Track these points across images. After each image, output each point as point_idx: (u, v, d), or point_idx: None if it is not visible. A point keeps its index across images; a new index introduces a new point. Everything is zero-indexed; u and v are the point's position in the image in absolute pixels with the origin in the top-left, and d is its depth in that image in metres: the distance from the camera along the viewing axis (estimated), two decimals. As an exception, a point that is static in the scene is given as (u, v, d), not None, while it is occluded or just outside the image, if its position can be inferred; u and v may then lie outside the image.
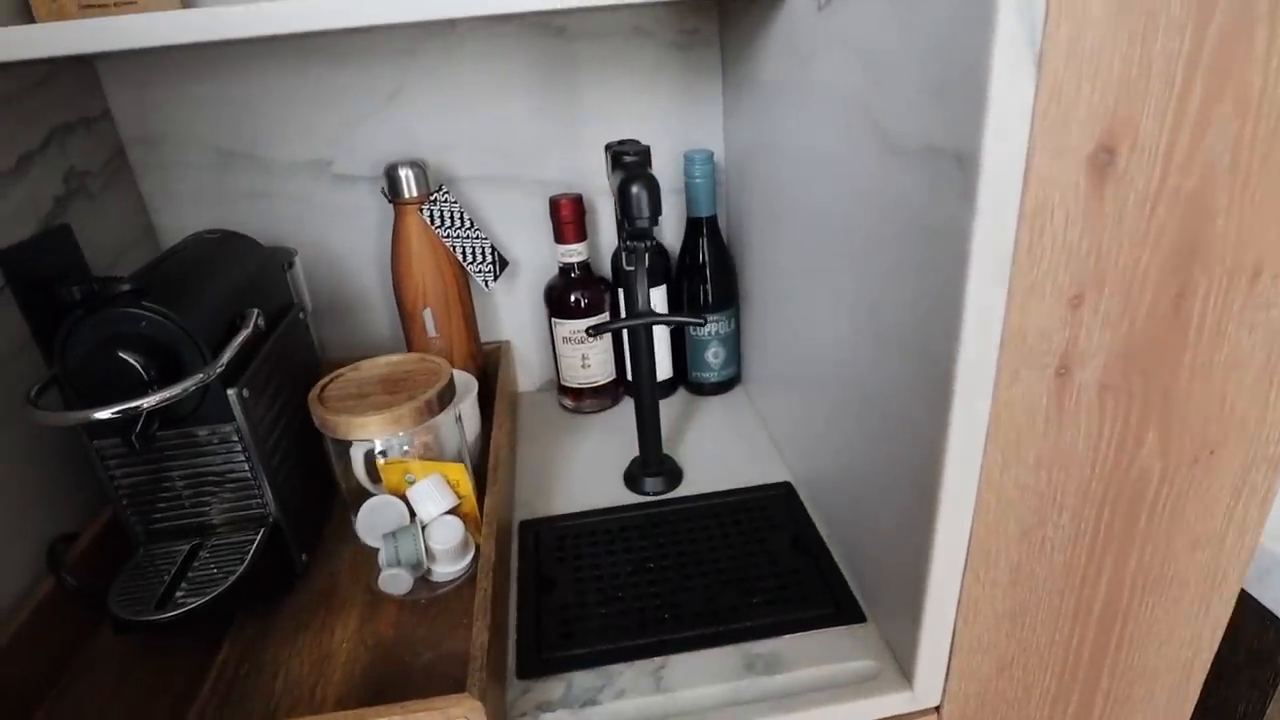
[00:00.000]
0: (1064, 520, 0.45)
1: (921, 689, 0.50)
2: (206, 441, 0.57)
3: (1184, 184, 0.36)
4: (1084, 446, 0.43)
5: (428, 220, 0.74)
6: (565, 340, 0.82)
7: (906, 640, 0.50)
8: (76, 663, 0.56)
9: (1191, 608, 0.50)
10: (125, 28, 0.49)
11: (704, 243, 0.81)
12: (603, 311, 0.82)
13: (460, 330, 0.79)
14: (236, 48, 0.74)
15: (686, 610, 0.58)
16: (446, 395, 0.57)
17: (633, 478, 0.73)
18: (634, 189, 0.49)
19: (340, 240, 0.82)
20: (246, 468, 0.58)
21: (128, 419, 0.51)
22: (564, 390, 0.86)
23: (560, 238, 0.79)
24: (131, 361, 0.51)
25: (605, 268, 0.86)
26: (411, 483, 0.61)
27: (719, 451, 0.77)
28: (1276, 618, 0.64)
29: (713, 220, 0.81)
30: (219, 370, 0.53)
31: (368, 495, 0.61)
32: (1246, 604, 0.65)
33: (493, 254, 0.79)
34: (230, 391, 0.55)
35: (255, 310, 0.60)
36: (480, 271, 0.79)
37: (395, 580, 0.58)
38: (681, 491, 0.72)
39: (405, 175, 0.72)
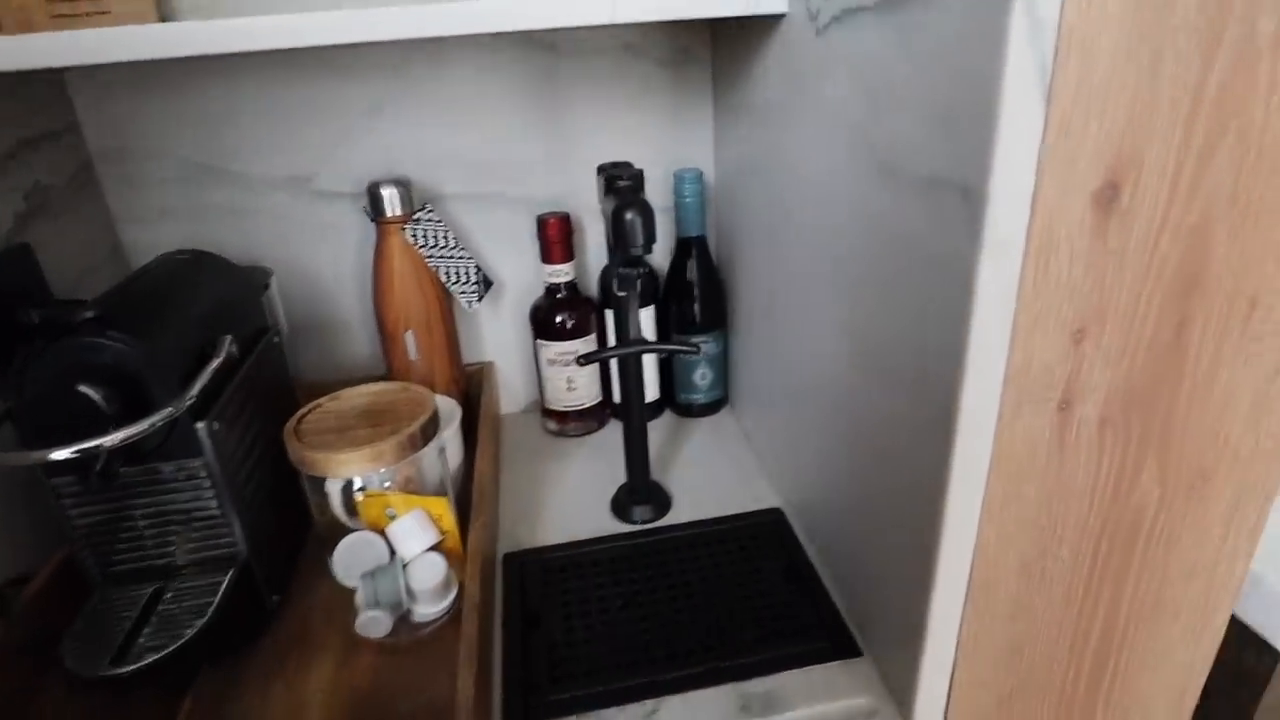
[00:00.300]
0: (1063, 553, 0.44)
1: (921, 725, 0.49)
2: (172, 478, 0.54)
3: (1186, 218, 0.36)
4: (1083, 479, 0.42)
5: (411, 240, 0.72)
6: (551, 362, 0.81)
7: (905, 676, 0.49)
8: (29, 717, 0.52)
9: (1184, 636, 0.50)
10: (97, 42, 0.47)
11: (693, 263, 0.80)
12: (589, 333, 0.80)
13: (442, 353, 0.77)
14: (214, 59, 0.71)
15: (679, 647, 0.56)
16: (430, 428, 0.55)
17: (620, 505, 0.71)
18: (628, 216, 0.48)
19: (319, 259, 0.80)
20: (215, 505, 0.55)
21: (87, 457, 0.48)
22: (548, 413, 0.85)
23: (547, 257, 0.77)
24: (93, 396, 0.48)
25: (592, 288, 0.85)
26: (392, 518, 0.59)
27: (707, 476, 0.76)
28: (1257, 637, 0.65)
29: (702, 240, 0.80)
30: (188, 404, 0.51)
31: (344, 531, 0.59)
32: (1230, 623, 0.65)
33: (477, 274, 0.77)
34: (199, 425, 0.52)
35: (227, 338, 0.57)
36: (464, 292, 0.77)
37: (374, 623, 0.55)
38: (670, 519, 0.70)
39: (388, 194, 0.70)
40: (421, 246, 0.73)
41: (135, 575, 0.55)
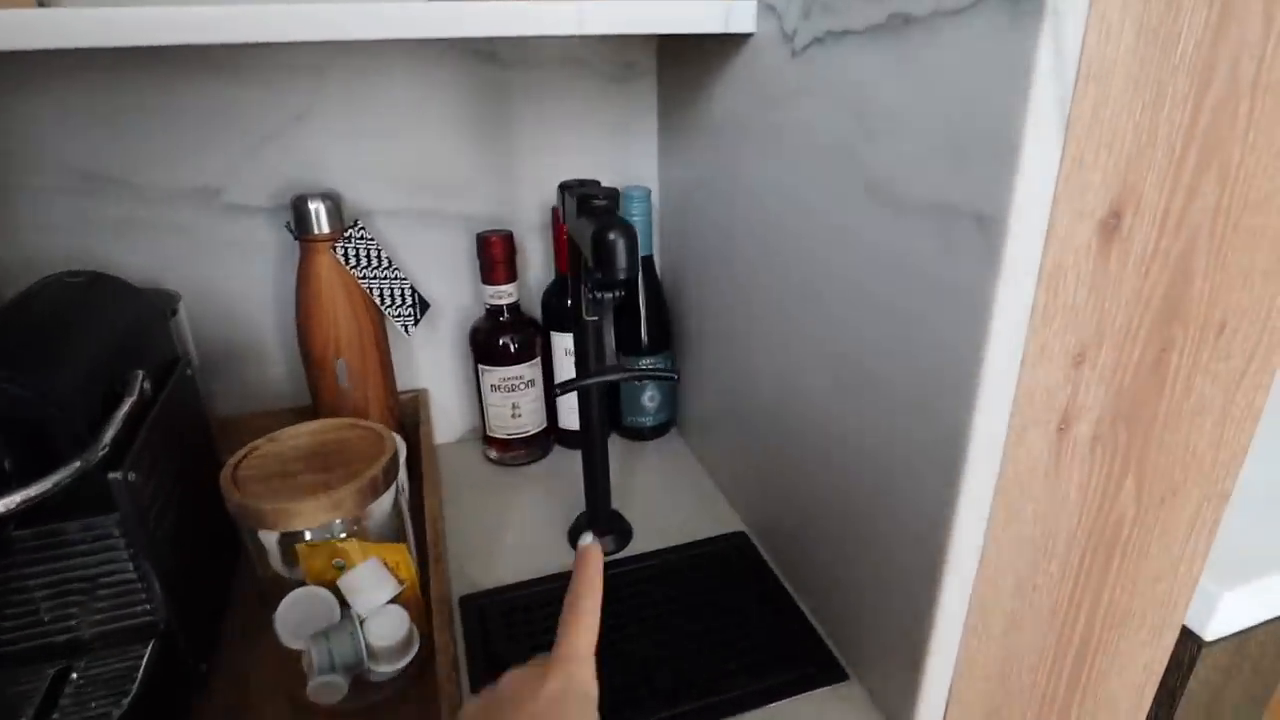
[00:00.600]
0: (1052, 568, 0.46)
1: (916, 747, 0.49)
2: (78, 540, 0.46)
3: (1173, 246, 0.38)
4: (1075, 496, 0.44)
5: (341, 259, 0.66)
6: (494, 388, 0.76)
7: (902, 698, 0.49)
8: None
9: (1148, 636, 0.53)
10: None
11: (640, 283, 0.78)
12: (534, 357, 0.77)
13: (377, 381, 0.71)
14: (107, 54, 0.63)
15: (661, 685, 0.54)
16: (392, 470, 0.50)
17: (579, 538, 0.68)
18: (611, 237, 0.45)
19: (229, 280, 0.72)
20: (131, 568, 0.48)
21: (-21, 524, 0.40)
22: (491, 441, 0.80)
23: (489, 278, 0.73)
24: (-17, 452, 0.40)
25: (534, 309, 0.81)
26: (340, 569, 0.53)
27: (665, 502, 0.74)
28: (1183, 626, 0.70)
29: (648, 260, 0.78)
30: (102, 453, 0.43)
31: (285, 586, 0.53)
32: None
33: (413, 296, 0.72)
34: (113, 477, 0.45)
35: (139, 373, 0.50)
36: (400, 316, 0.71)
37: (329, 689, 0.49)
38: (633, 549, 0.68)
39: (315, 209, 0.64)
40: (353, 266, 0.67)
41: (32, 656, 0.47)
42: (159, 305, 0.61)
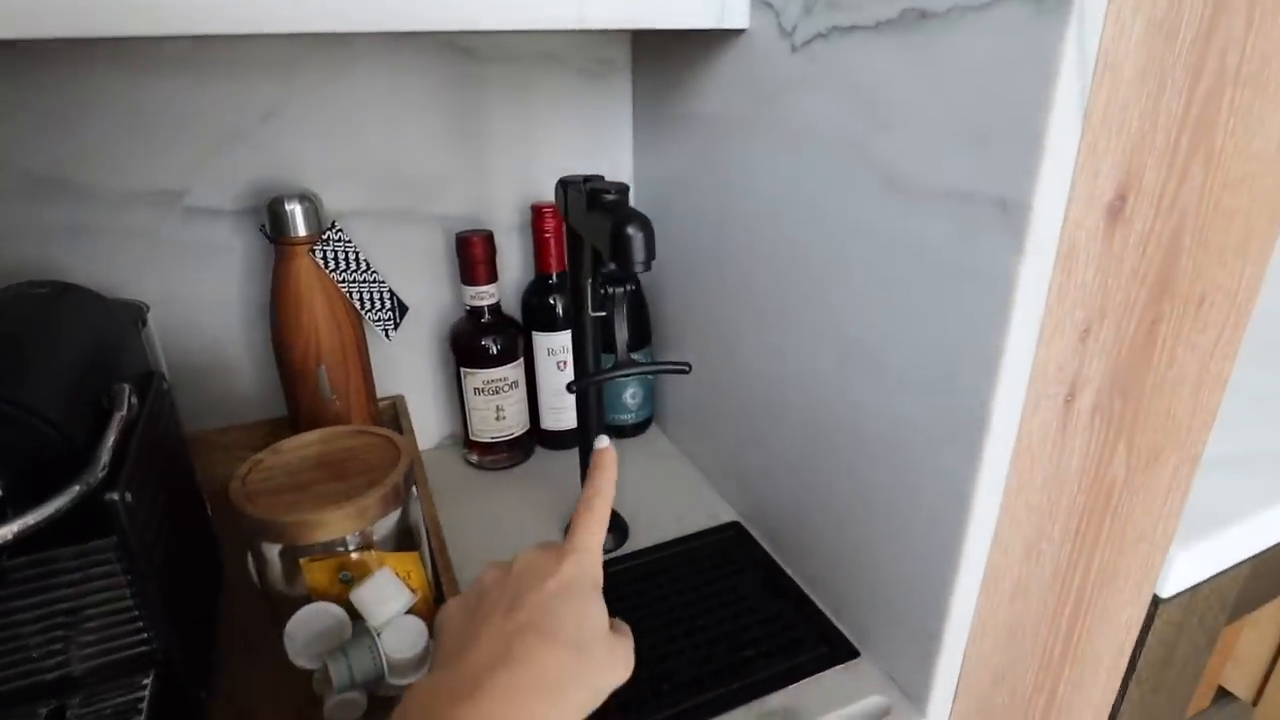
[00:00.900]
0: (1055, 532, 0.49)
1: (934, 713, 0.51)
2: (73, 568, 0.43)
3: (1166, 227, 0.41)
4: (1076, 464, 0.46)
5: (320, 262, 0.64)
6: (478, 391, 0.75)
7: (916, 669, 0.51)
8: None
9: (1130, 595, 0.57)
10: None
11: (620, 281, 0.78)
12: (518, 357, 0.76)
13: (359, 388, 0.69)
14: (51, 46, 0.58)
15: (683, 677, 0.54)
16: (411, 476, 0.48)
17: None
18: (629, 230, 0.45)
19: (193, 288, 0.68)
20: (128, 595, 0.44)
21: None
22: (473, 445, 0.79)
23: (470, 279, 0.72)
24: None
25: (513, 309, 0.80)
26: (346, 581, 0.51)
27: (657, 497, 0.75)
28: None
29: (628, 257, 0.78)
30: (101, 473, 0.41)
31: (285, 602, 0.50)
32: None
33: (392, 299, 0.70)
34: (111, 498, 0.42)
35: (125, 387, 0.47)
36: (380, 320, 0.69)
37: (348, 706, 0.48)
38: (632, 546, 0.68)
39: (293, 210, 0.62)
40: (333, 270, 0.65)
41: (21, 696, 0.43)
42: (127, 316, 0.57)
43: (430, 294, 0.77)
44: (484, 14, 0.48)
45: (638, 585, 0.63)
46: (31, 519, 0.37)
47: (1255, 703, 1.17)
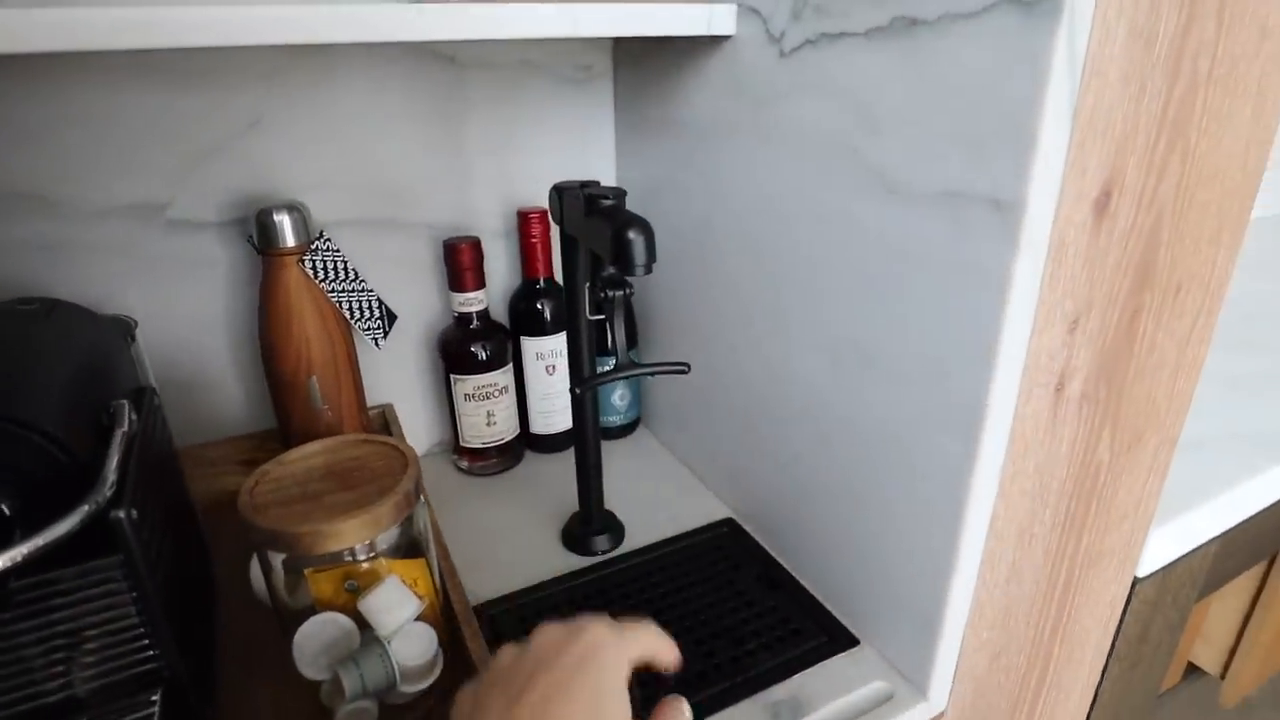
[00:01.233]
0: (1046, 515, 0.50)
1: (934, 697, 0.53)
2: (77, 588, 0.42)
3: (1147, 220, 0.43)
4: (1065, 450, 0.48)
5: (310, 272, 0.63)
6: (468, 397, 0.75)
7: (916, 654, 0.52)
8: None
9: (1115, 573, 0.59)
10: None
11: (608, 284, 0.78)
12: (507, 363, 0.76)
13: (350, 399, 0.68)
14: (20, 61, 0.57)
15: (690, 671, 0.55)
16: (420, 482, 0.48)
17: (576, 538, 0.68)
18: (631, 235, 0.46)
19: (177, 302, 0.67)
20: (134, 613, 0.44)
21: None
22: (463, 451, 0.78)
23: (458, 285, 0.72)
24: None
25: (500, 315, 0.80)
26: (354, 591, 0.51)
27: (649, 497, 0.75)
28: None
29: (616, 261, 0.79)
30: (109, 490, 0.40)
31: (289, 615, 0.50)
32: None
33: (380, 308, 0.70)
34: (118, 515, 0.41)
35: (124, 402, 0.46)
36: (369, 329, 0.69)
37: (361, 715, 0.47)
38: (629, 545, 0.68)
39: (281, 221, 0.61)
40: (322, 280, 0.65)
41: (25, 721, 0.42)
42: (118, 331, 0.56)
43: (417, 302, 0.77)
44: (481, 24, 0.49)
45: (637, 584, 0.63)
46: (41, 540, 0.37)
47: (1223, 676, 1.22)
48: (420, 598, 0.52)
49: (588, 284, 0.56)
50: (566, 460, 0.77)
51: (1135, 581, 0.69)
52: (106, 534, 0.41)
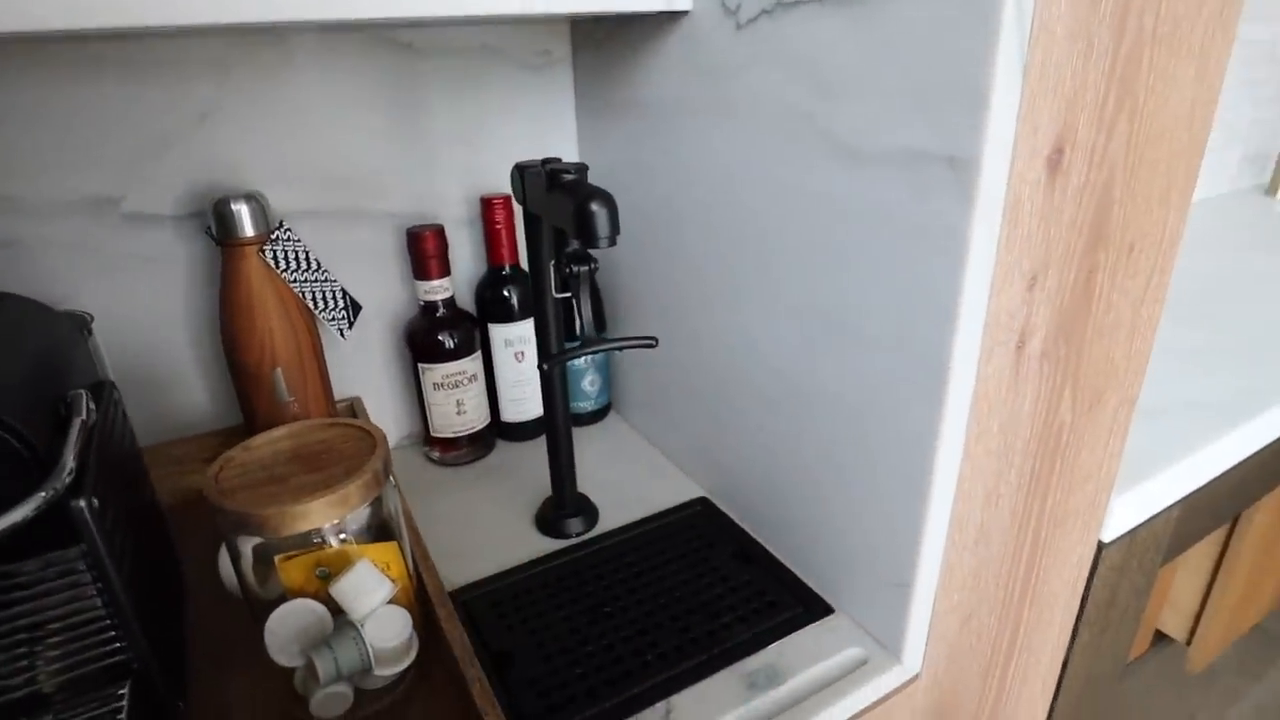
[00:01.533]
0: (1011, 476, 0.51)
1: (908, 661, 0.53)
2: (39, 580, 0.41)
3: (1099, 178, 0.44)
4: (1028, 408, 0.49)
5: (270, 262, 0.62)
6: (437, 386, 0.74)
7: (889, 619, 0.53)
8: None
9: (1080, 534, 0.60)
10: None
11: (575, 268, 0.78)
12: (475, 350, 0.75)
13: (316, 391, 0.67)
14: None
15: (666, 646, 0.55)
16: (389, 463, 0.48)
17: (549, 522, 0.68)
18: (593, 206, 0.46)
19: (134, 298, 0.65)
20: (99, 604, 0.43)
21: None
22: (434, 442, 0.78)
23: (423, 274, 0.71)
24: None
25: (466, 303, 0.79)
26: (324, 577, 0.50)
27: (622, 481, 0.75)
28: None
29: (583, 245, 0.79)
30: (67, 478, 0.39)
31: (259, 604, 0.49)
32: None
33: (344, 298, 0.69)
34: (78, 504, 0.40)
35: (83, 393, 0.45)
36: (334, 320, 0.68)
37: (336, 700, 0.47)
38: (603, 527, 0.68)
39: (239, 210, 0.60)
40: (283, 270, 0.64)
41: (-14, 720, 0.41)
42: (72, 325, 0.55)
43: (382, 293, 0.76)
44: (431, 2, 0.48)
45: (611, 565, 0.63)
46: (6, 521, 0.36)
47: (1189, 642, 1.25)
48: (393, 581, 0.51)
49: (553, 262, 0.56)
50: (538, 448, 0.77)
51: (1101, 547, 0.71)
52: (68, 525, 0.40)
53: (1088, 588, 0.75)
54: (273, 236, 0.63)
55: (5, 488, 0.38)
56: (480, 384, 0.77)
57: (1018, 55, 0.37)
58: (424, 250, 0.70)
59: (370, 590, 0.48)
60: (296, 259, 0.64)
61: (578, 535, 0.67)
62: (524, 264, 0.75)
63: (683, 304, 0.69)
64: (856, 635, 0.55)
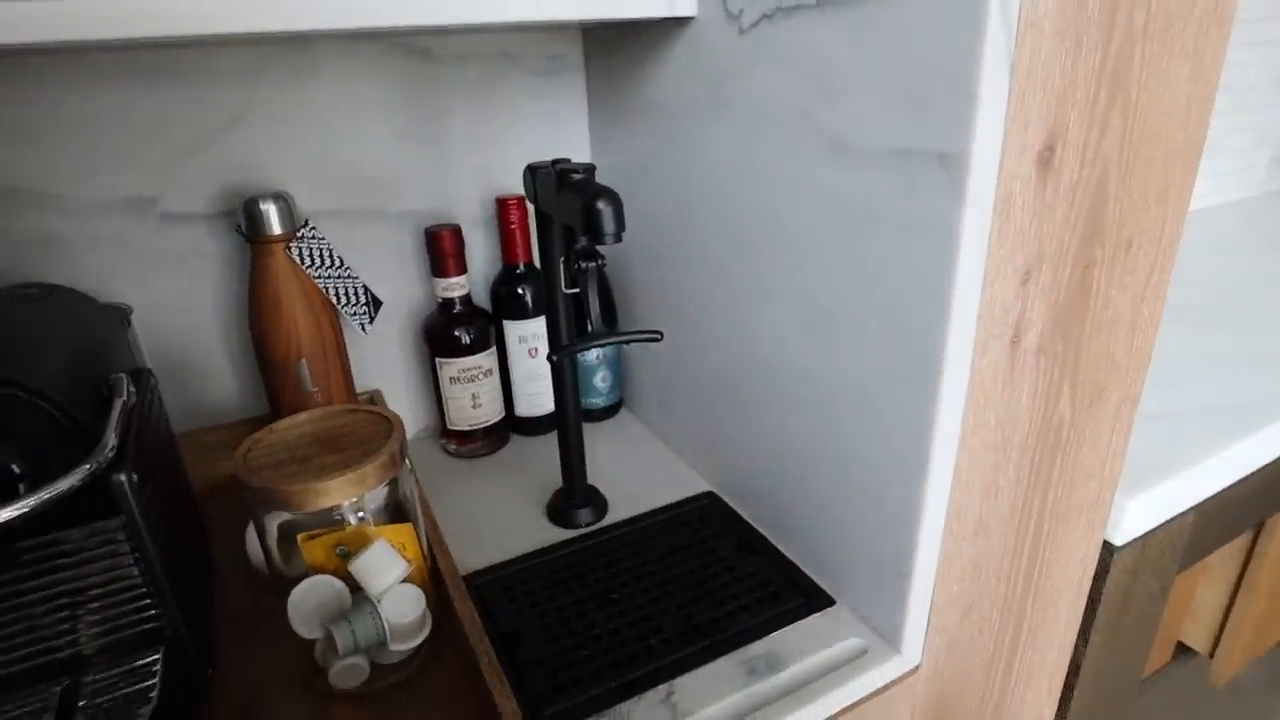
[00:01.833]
0: (1010, 470, 0.52)
1: (908, 652, 0.54)
2: (81, 548, 0.44)
3: (1092, 174, 0.45)
4: (1025, 403, 0.50)
5: (296, 259, 0.65)
6: (453, 380, 0.77)
7: (889, 609, 0.54)
8: None
9: (1084, 531, 0.61)
10: None
11: (590, 267, 0.80)
12: (490, 346, 0.78)
13: (339, 382, 0.70)
14: (9, 60, 0.59)
15: (670, 632, 0.57)
16: (405, 446, 0.50)
17: (560, 512, 0.70)
18: (600, 204, 0.48)
19: (169, 291, 0.69)
20: (136, 573, 0.46)
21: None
22: (450, 434, 0.80)
23: (441, 271, 0.74)
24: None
25: (482, 300, 0.82)
26: (343, 555, 0.52)
27: (632, 475, 0.77)
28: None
29: (597, 244, 0.81)
30: (109, 453, 0.42)
31: (282, 582, 0.52)
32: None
33: (366, 294, 0.71)
34: (119, 478, 0.43)
35: (124, 376, 0.48)
36: (356, 314, 0.71)
37: (353, 672, 0.49)
38: (612, 518, 0.70)
39: (268, 209, 0.63)
40: (309, 266, 0.66)
41: (33, 675, 0.44)
42: (113, 316, 0.58)
43: (400, 290, 0.79)
44: (444, 9, 0.51)
45: (620, 553, 0.65)
46: (46, 494, 0.38)
47: (1212, 655, 1.23)
48: (408, 560, 0.54)
49: (562, 259, 0.58)
50: (551, 442, 0.79)
51: (1113, 550, 0.71)
52: (109, 497, 0.43)
53: (1099, 590, 0.75)
54: (298, 234, 0.66)
55: (49, 459, 0.41)
56: (495, 379, 0.79)
57: (1005, 53, 0.38)
58: (441, 248, 0.73)
59: (386, 568, 0.51)
60: (321, 256, 0.67)
61: (587, 525, 0.69)
62: (537, 262, 0.78)
63: (689, 302, 0.71)
64: (857, 626, 0.56)
